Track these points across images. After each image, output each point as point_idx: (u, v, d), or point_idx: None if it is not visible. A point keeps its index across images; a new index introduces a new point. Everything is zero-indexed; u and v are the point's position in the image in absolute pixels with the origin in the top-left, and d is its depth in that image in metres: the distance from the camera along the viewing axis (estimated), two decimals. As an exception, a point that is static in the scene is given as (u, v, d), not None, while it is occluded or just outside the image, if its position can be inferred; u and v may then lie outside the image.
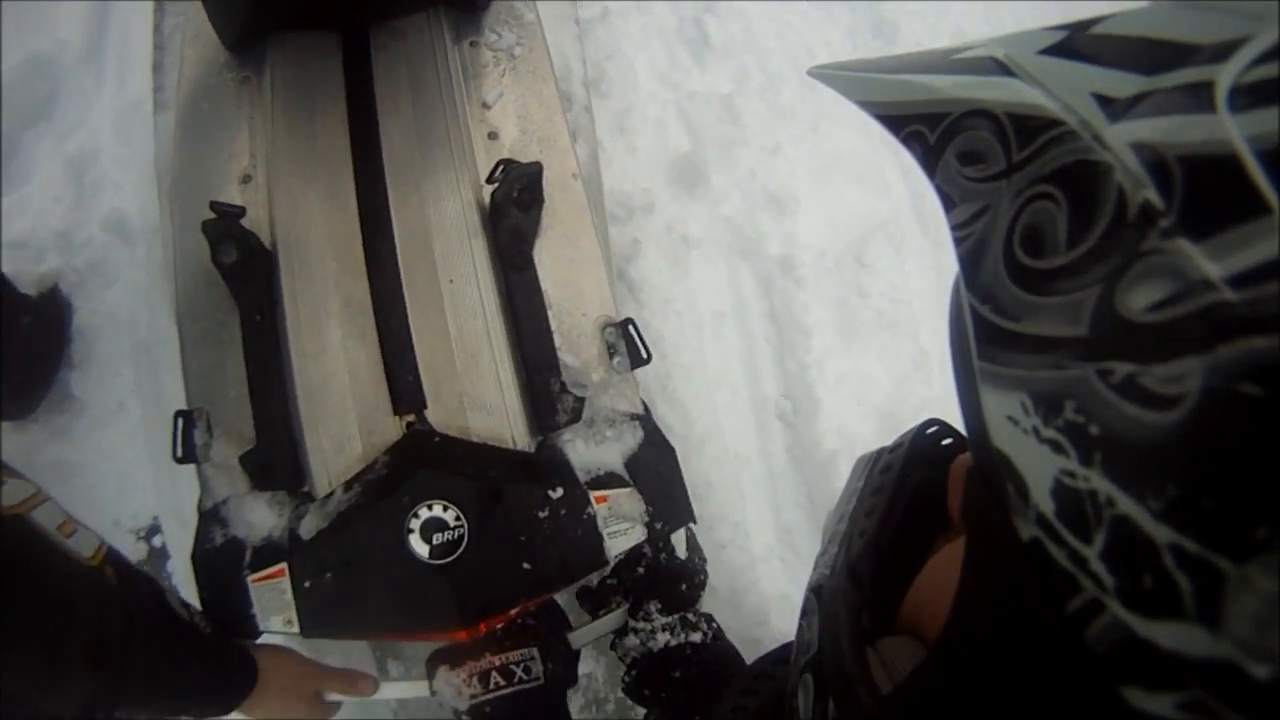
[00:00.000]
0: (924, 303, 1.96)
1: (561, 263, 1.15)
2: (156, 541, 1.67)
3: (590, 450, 1.06)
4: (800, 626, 0.53)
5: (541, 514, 0.98)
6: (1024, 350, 0.29)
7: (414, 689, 1.08)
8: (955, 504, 0.45)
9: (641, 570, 1.12)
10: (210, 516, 1.05)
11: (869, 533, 0.51)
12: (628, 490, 1.04)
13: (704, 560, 1.20)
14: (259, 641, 1.05)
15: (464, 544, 0.96)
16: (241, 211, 1.09)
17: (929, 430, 0.54)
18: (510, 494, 0.99)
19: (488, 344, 1.08)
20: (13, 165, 2.05)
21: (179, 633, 0.96)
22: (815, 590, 0.54)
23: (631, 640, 1.05)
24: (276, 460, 1.05)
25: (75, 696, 0.87)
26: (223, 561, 1.02)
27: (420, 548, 0.95)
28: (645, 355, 1.14)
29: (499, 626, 1.01)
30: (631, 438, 1.09)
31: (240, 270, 1.08)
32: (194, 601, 1.02)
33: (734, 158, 2.07)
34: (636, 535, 1.03)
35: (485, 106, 1.24)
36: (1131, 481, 0.24)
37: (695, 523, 1.11)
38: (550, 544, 0.98)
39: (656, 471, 1.07)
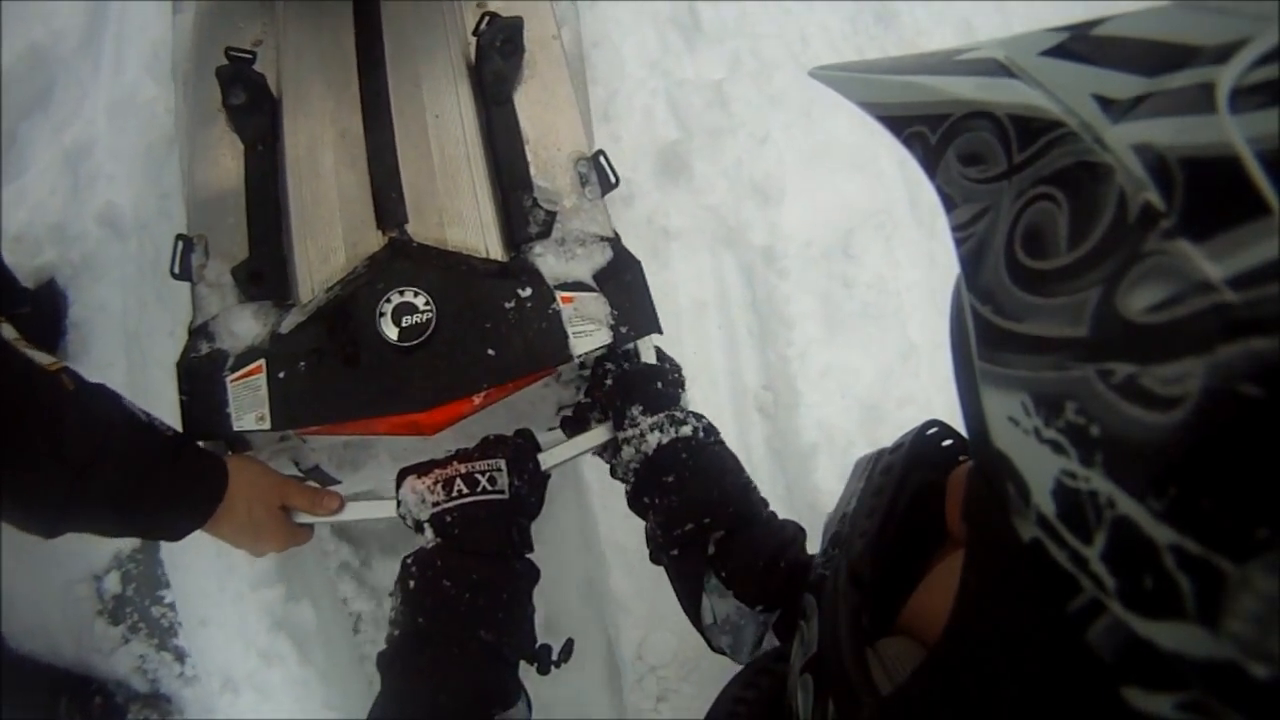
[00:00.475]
0: (914, 294, 1.91)
1: (539, 106, 1.26)
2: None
3: (560, 264, 1.11)
4: (800, 627, 0.53)
5: (508, 304, 1.03)
6: (1025, 351, 0.29)
7: (380, 509, 1.08)
8: (954, 516, 0.45)
9: (610, 382, 1.10)
10: (199, 332, 1.10)
11: (869, 534, 0.51)
12: (594, 294, 1.09)
13: (677, 366, 1.18)
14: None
15: (432, 327, 1.00)
16: (253, 58, 1.22)
17: (929, 431, 0.54)
18: (479, 284, 1.05)
19: (467, 167, 1.17)
20: (10, 155, 2.06)
21: (141, 428, 0.96)
22: (815, 591, 0.54)
23: (627, 452, 1.02)
24: (266, 269, 1.12)
25: (46, 500, 0.88)
26: (206, 368, 1.07)
27: (390, 330, 0.99)
28: (614, 180, 1.22)
29: (471, 448, 1.00)
30: (600, 256, 1.14)
31: (248, 108, 1.19)
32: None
33: (721, 146, 2.02)
34: (601, 337, 1.07)
35: (474, -17, 1.41)
36: (1132, 482, 0.24)
37: (661, 333, 1.14)
38: (515, 333, 1.03)
39: (623, 281, 1.12)
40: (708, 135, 2.04)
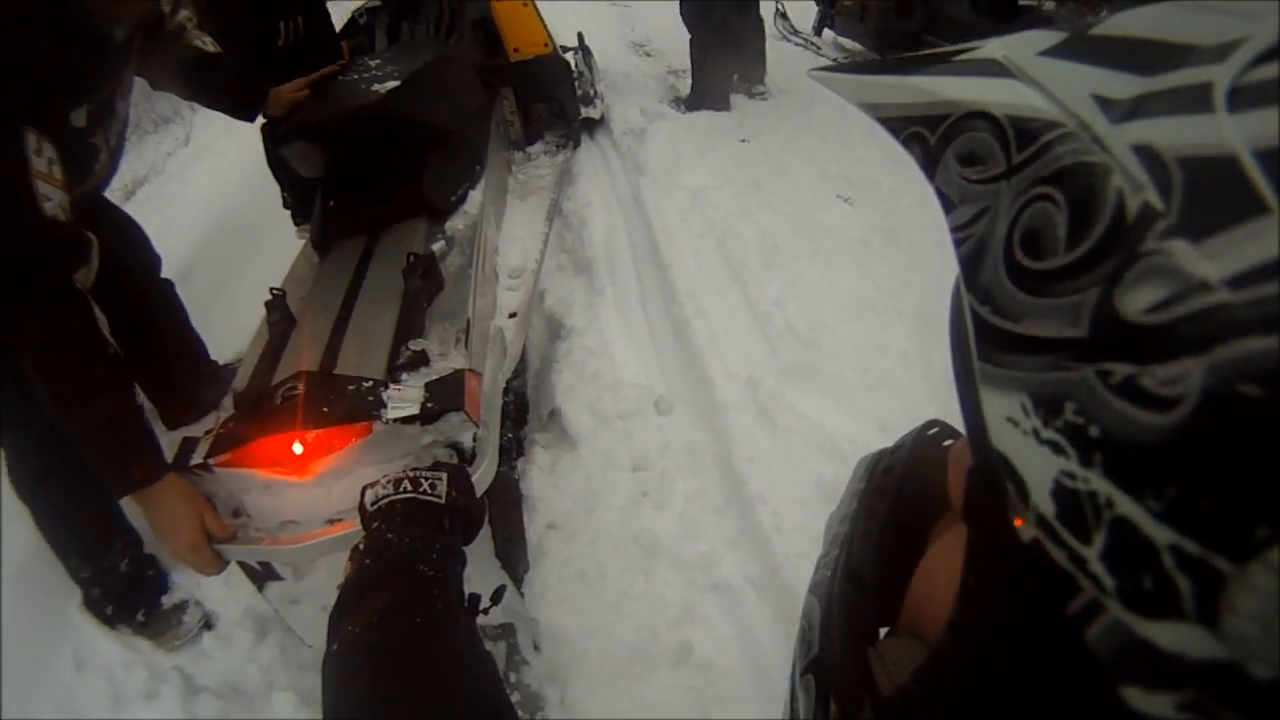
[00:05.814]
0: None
1: (443, 305, 1.92)
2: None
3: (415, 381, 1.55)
4: (801, 628, 0.53)
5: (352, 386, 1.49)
6: (1024, 351, 0.29)
7: (282, 554, 1.47)
8: (955, 490, 0.44)
9: None
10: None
11: (870, 534, 0.51)
12: (416, 389, 1.47)
13: None
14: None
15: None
16: (284, 294, 1.96)
17: (930, 432, 0.54)
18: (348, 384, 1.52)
19: (382, 334, 1.77)
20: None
21: (96, 343, 1.39)
22: (816, 592, 0.54)
23: None
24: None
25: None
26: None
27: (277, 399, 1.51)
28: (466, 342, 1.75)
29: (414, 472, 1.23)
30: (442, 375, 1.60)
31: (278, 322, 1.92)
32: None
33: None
34: (410, 409, 1.43)
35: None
36: (1131, 483, 0.24)
37: (459, 409, 1.45)
38: (353, 399, 1.47)
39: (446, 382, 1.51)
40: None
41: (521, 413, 2.49)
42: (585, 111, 4.08)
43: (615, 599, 1.93)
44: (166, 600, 2.06)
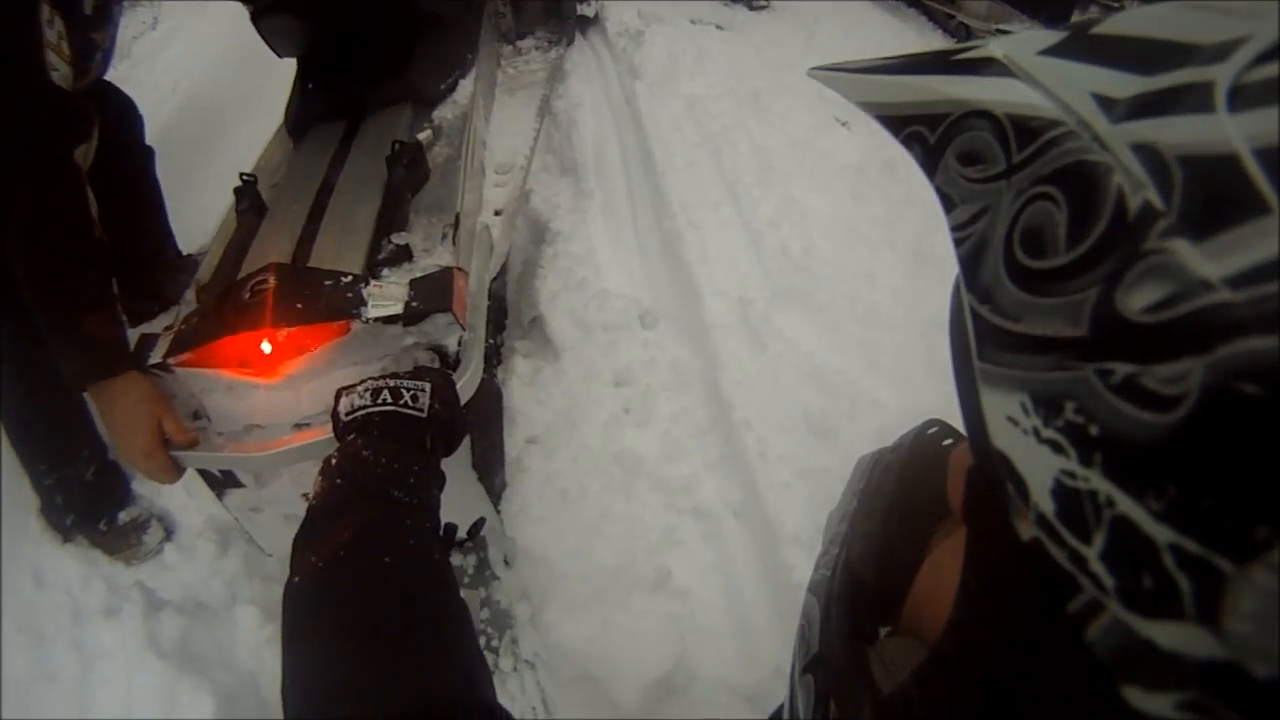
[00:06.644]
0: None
1: (430, 196, 1.80)
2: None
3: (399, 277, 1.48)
4: (801, 627, 0.54)
5: (328, 282, 1.39)
6: (1024, 351, 0.29)
7: (252, 462, 1.37)
8: (955, 495, 0.45)
9: None
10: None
11: (870, 534, 0.51)
12: (398, 285, 1.38)
13: None
14: None
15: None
16: (254, 179, 1.80)
17: (929, 431, 0.54)
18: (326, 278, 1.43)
19: (363, 223, 1.66)
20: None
21: (85, 223, 1.34)
22: (815, 591, 0.54)
23: None
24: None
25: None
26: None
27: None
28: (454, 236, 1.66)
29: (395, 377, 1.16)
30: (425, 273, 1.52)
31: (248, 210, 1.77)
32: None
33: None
34: (394, 309, 1.34)
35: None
36: (1131, 482, 0.24)
37: (447, 310, 1.38)
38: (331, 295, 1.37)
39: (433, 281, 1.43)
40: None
41: (500, 317, 2.41)
42: (579, 9, 3.87)
43: (595, 520, 1.90)
44: (125, 515, 2.02)
